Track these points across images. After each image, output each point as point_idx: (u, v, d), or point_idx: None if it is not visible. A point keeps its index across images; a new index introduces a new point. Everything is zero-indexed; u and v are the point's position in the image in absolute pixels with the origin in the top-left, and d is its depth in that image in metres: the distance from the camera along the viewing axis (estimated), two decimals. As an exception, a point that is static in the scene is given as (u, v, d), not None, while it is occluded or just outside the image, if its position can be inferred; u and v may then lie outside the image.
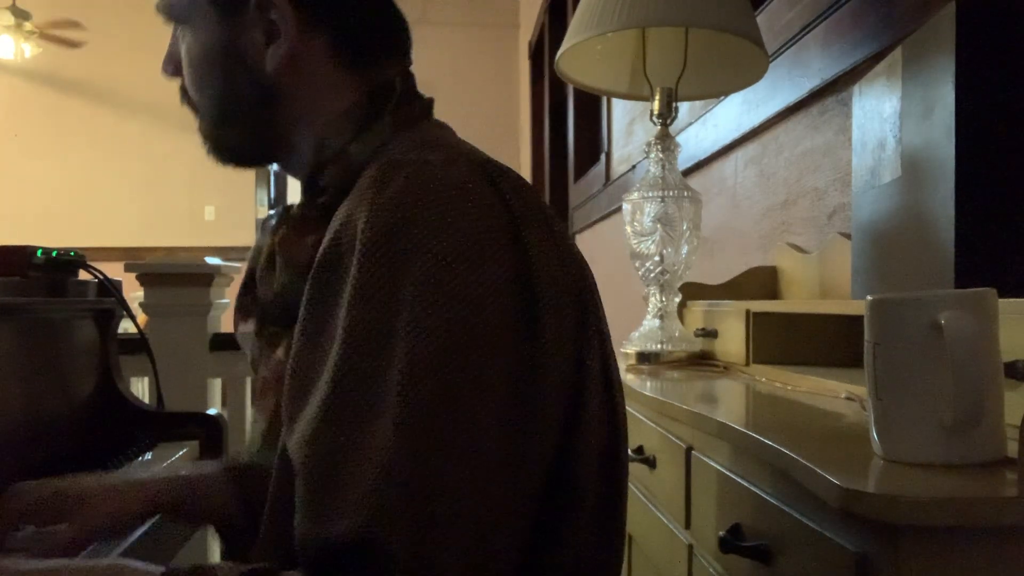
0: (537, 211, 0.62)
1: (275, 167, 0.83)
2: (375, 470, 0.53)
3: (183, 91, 0.78)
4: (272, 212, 0.82)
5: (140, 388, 2.54)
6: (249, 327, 0.79)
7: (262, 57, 0.72)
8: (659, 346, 1.53)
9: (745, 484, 0.77)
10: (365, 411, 0.54)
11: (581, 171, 4.20)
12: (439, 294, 0.55)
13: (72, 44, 5.99)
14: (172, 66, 0.78)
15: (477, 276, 0.56)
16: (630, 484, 1.25)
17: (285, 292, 0.70)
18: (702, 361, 1.52)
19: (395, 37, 0.76)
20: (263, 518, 0.66)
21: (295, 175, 0.78)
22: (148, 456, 1.25)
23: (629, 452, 1.18)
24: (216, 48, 0.73)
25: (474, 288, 0.56)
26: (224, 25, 0.73)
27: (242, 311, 0.80)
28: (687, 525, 0.98)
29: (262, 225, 0.82)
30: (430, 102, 0.76)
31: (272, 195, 6.91)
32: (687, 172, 2.28)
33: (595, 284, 0.67)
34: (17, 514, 0.81)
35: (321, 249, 0.60)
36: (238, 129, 0.75)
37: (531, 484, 0.59)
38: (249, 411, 2.35)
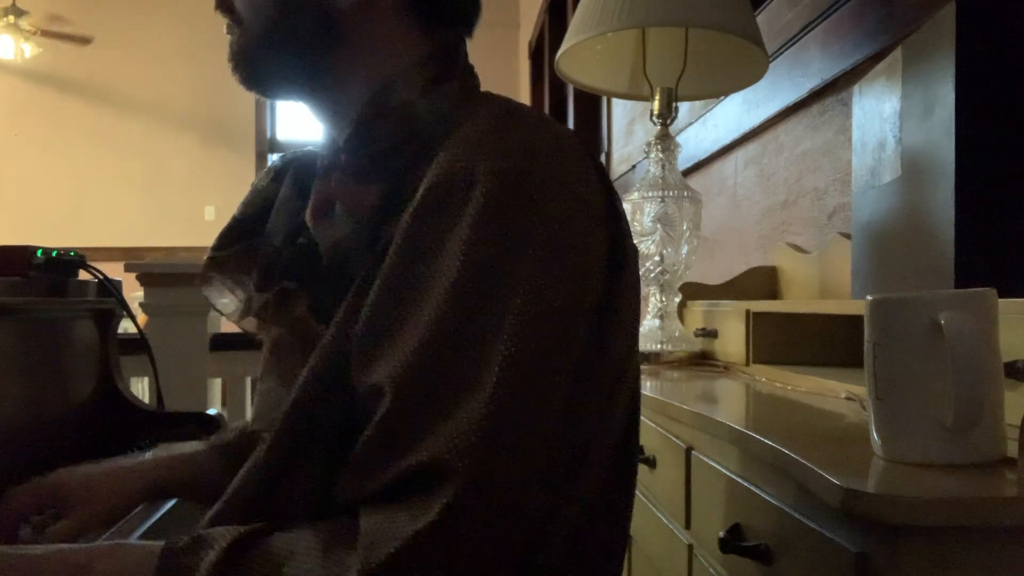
0: (610, 180, 0.64)
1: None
2: (470, 407, 0.53)
3: (222, 3, 0.71)
4: (280, 157, 0.77)
5: (140, 388, 2.54)
6: (223, 283, 0.74)
7: None
8: (659, 346, 1.53)
9: (745, 484, 0.77)
10: (475, 355, 0.54)
11: (581, 171, 4.19)
12: (556, 257, 0.56)
13: (73, 43, 5.99)
14: None
15: (585, 243, 0.58)
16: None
17: (345, 242, 0.65)
18: (702, 361, 1.52)
19: (469, 12, 0.73)
20: (255, 457, 0.63)
21: (329, 119, 0.72)
22: (148, 455, 1.25)
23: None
24: None
25: (582, 258, 0.58)
26: None
27: (217, 264, 0.74)
28: (687, 525, 0.98)
29: (267, 170, 0.77)
30: (479, 78, 0.74)
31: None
32: (687, 172, 2.28)
33: None
34: (16, 515, 0.81)
35: (430, 181, 0.58)
36: (283, 55, 0.69)
37: (577, 449, 0.60)
38: (250, 411, 2.35)
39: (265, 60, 0.70)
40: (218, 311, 0.76)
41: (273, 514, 0.59)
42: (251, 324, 0.75)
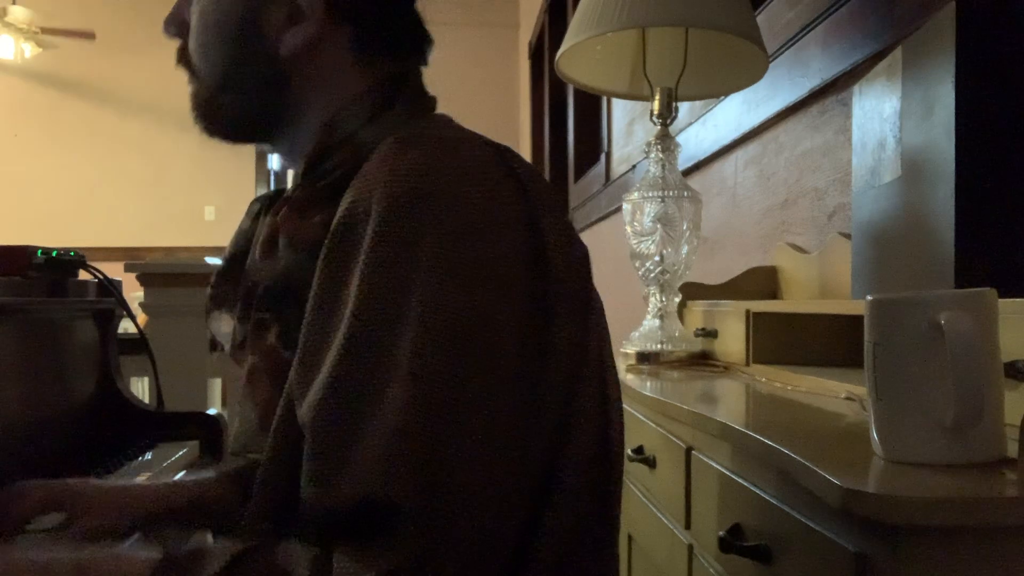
0: (549, 197, 0.63)
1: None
2: (386, 434, 0.53)
3: (181, 52, 0.76)
4: (257, 198, 0.81)
5: (140, 388, 2.54)
6: (224, 316, 0.78)
7: (280, 36, 0.71)
8: (659, 346, 1.53)
9: (745, 484, 0.77)
10: (377, 377, 0.54)
11: (581, 171, 4.20)
12: (453, 268, 0.55)
13: (73, 43, 5.99)
14: (175, 26, 0.76)
15: (493, 252, 0.57)
16: (630, 484, 1.25)
17: (289, 273, 0.68)
18: (702, 361, 1.52)
19: (415, 43, 0.76)
20: (254, 492, 0.65)
21: (287, 156, 0.77)
22: (148, 456, 1.25)
23: (628, 452, 1.18)
24: (235, 18, 0.71)
25: (489, 265, 0.57)
26: None
27: (217, 300, 0.79)
28: (687, 525, 0.98)
29: (248, 211, 0.80)
30: (434, 100, 0.76)
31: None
32: (687, 172, 2.28)
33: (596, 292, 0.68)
34: (21, 514, 0.82)
35: (336, 219, 0.60)
36: (239, 99, 0.73)
37: (534, 465, 0.59)
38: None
39: (224, 106, 0.74)
40: (222, 344, 0.79)
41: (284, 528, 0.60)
42: (241, 355, 0.76)
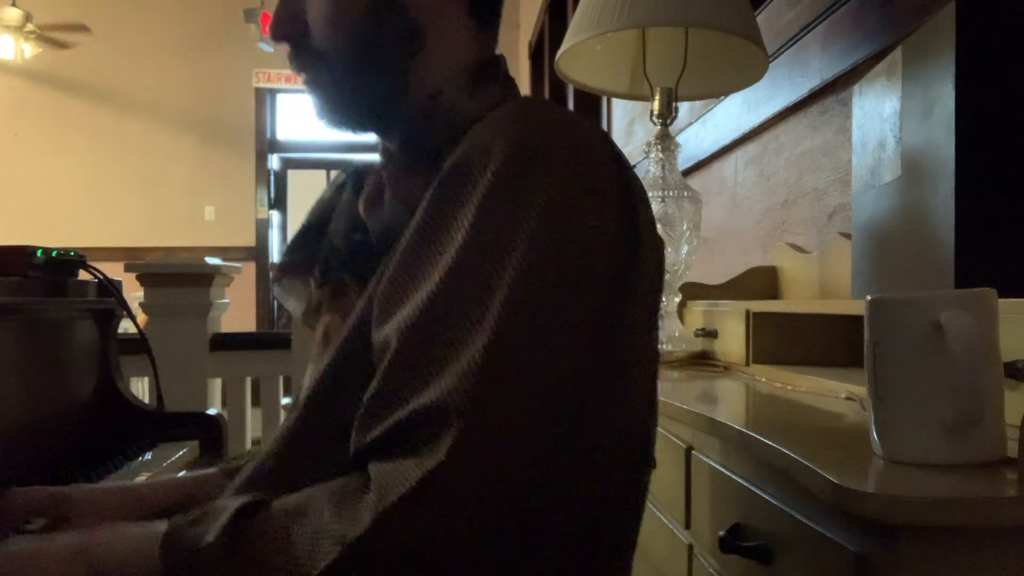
0: (641, 187, 0.66)
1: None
2: (469, 354, 0.55)
3: (298, 52, 0.73)
4: (344, 169, 0.81)
5: (140, 388, 2.54)
6: (292, 285, 0.79)
7: None
8: (659, 346, 1.53)
9: (745, 484, 0.77)
10: (469, 312, 0.56)
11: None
12: (560, 229, 0.58)
13: (72, 44, 5.99)
14: (288, 23, 0.73)
15: (596, 221, 0.59)
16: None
17: (392, 226, 0.69)
18: (702, 361, 1.52)
19: (500, 7, 0.78)
20: (281, 434, 0.66)
21: (389, 135, 0.76)
22: (148, 456, 1.25)
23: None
24: None
25: (590, 233, 0.59)
26: None
27: (288, 268, 0.80)
28: (687, 525, 0.98)
29: (332, 182, 0.81)
30: (516, 84, 0.78)
31: (272, 195, 6.91)
32: (687, 172, 2.28)
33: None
34: (18, 515, 0.82)
35: (454, 157, 0.62)
36: (371, 76, 0.72)
37: (578, 432, 0.60)
38: (250, 411, 2.36)
39: (357, 85, 0.72)
40: (288, 310, 0.81)
41: (302, 478, 0.61)
42: (313, 319, 0.78)
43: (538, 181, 0.58)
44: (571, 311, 0.58)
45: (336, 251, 0.75)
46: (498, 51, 0.78)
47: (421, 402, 0.55)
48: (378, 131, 0.77)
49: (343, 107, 0.74)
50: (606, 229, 0.60)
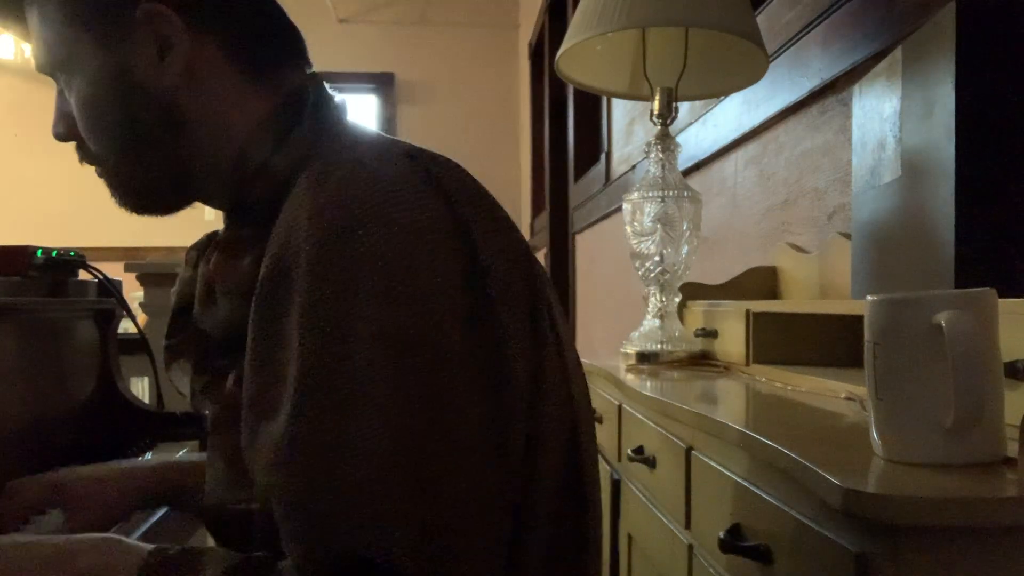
0: (480, 200, 0.61)
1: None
2: (364, 484, 0.52)
3: (80, 150, 0.73)
4: (193, 245, 0.78)
5: (140, 388, 2.54)
6: (182, 367, 0.76)
7: (158, 74, 0.68)
8: (659, 346, 1.53)
9: (745, 484, 0.77)
10: (338, 425, 0.52)
11: (581, 171, 4.20)
12: (396, 299, 0.54)
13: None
14: (63, 125, 0.73)
15: (428, 277, 0.55)
16: (630, 484, 1.25)
17: (230, 320, 0.65)
18: (702, 361, 1.52)
19: (289, 42, 0.73)
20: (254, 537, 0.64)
21: (220, 206, 0.74)
22: (148, 456, 1.25)
23: (628, 452, 1.18)
24: (107, 77, 0.68)
25: (426, 290, 0.55)
26: (110, 51, 0.68)
27: (174, 351, 0.76)
28: (687, 525, 0.98)
29: (185, 260, 0.78)
30: (344, 103, 0.73)
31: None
32: (687, 172, 2.28)
33: (546, 278, 0.66)
34: (20, 508, 0.82)
35: (264, 267, 0.58)
36: (145, 161, 0.70)
37: (511, 487, 0.58)
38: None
39: (134, 176, 0.72)
40: (183, 395, 0.77)
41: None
42: (200, 404, 0.75)
43: (353, 265, 0.54)
44: (442, 377, 0.54)
45: (205, 337, 0.72)
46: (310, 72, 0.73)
47: (341, 551, 0.52)
48: (186, 206, 0.76)
49: (134, 196, 0.74)
50: (444, 281, 0.56)
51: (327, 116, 0.70)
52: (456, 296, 0.56)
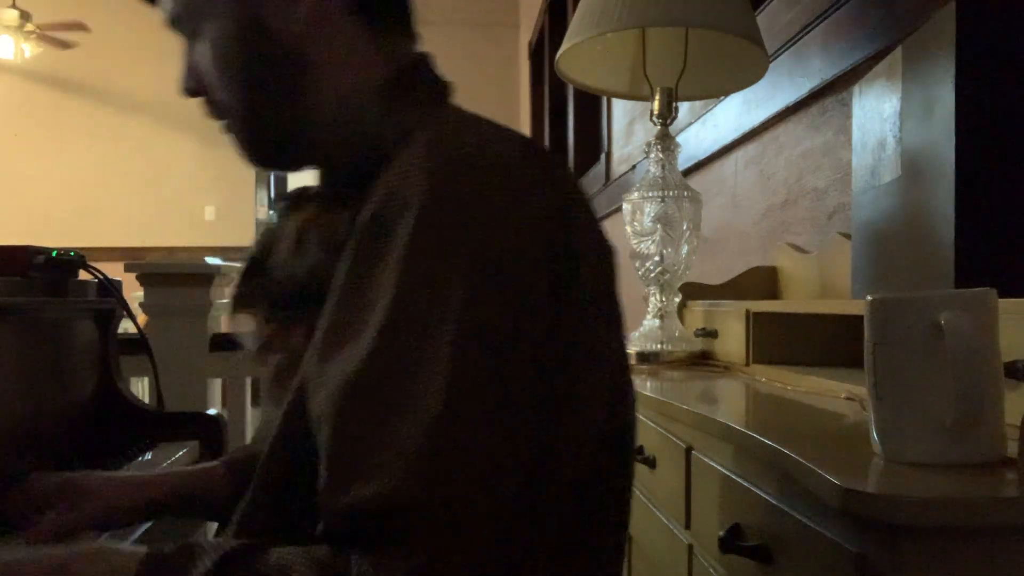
0: (581, 193, 0.64)
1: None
2: (420, 433, 0.52)
3: (209, 104, 0.74)
4: (282, 195, 0.79)
5: (140, 388, 2.54)
6: (246, 318, 0.77)
7: (288, 20, 0.69)
8: (659, 346, 1.53)
9: (745, 484, 0.77)
10: (413, 371, 0.54)
11: (581, 171, 4.20)
12: (493, 264, 0.56)
13: (72, 44, 5.99)
14: (192, 81, 0.74)
15: (530, 251, 0.57)
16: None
17: (315, 270, 0.67)
18: (702, 361, 1.52)
19: (407, 13, 0.75)
20: (252, 487, 0.65)
21: (319, 163, 0.75)
22: (148, 456, 1.25)
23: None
24: (239, 26, 0.70)
25: (526, 264, 0.57)
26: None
27: (241, 300, 0.78)
28: (687, 525, 0.98)
29: (273, 208, 0.80)
30: (450, 85, 0.74)
31: (272, 195, 6.91)
32: (687, 172, 2.28)
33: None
34: (37, 500, 0.83)
35: (368, 211, 0.60)
36: (272, 109, 0.71)
37: (561, 464, 0.59)
38: (250, 411, 2.36)
39: (261, 128, 0.72)
40: (245, 348, 0.79)
41: (279, 526, 0.61)
42: (264, 356, 0.76)
43: (459, 231, 0.56)
44: (514, 364, 0.55)
45: (279, 286, 0.73)
46: (424, 50, 0.74)
47: (374, 490, 0.52)
48: (308, 163, 0.75)
49: (260, 150, 0.74)
50: (536, 257, 0.57)
51: (438, 92, 0.72)
52: (544, 276, 0.58)
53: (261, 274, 0.76)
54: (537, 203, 0.59)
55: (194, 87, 0.74)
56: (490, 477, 0.54)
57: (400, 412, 0.53)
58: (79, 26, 5.83)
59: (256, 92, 0.71)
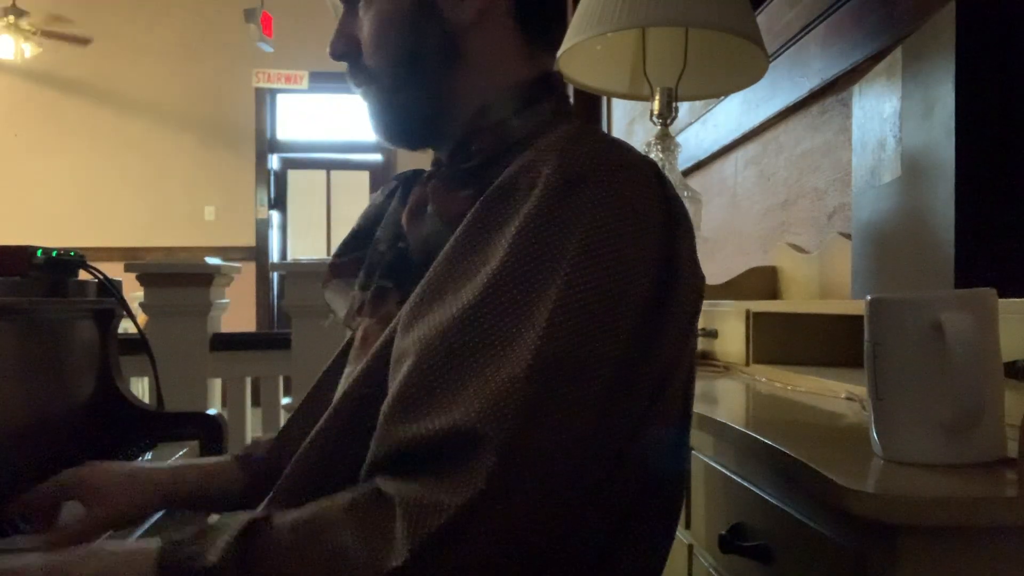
0: (686, 219, 0.67)
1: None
2: (507, 378, 0.54)
3: (354, 70, 0.77)
4: (396, 176, 0.82)
5: (140, 388, 2.54)
6: (339, 287, 0.80)
7: (457, 7, 0.72)
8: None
9: (745, 484, 0.77)
10: (513, 323, 0.56)
11: (581, 171, 4.20)
12: (601, 252, 0.59)
13: (73, 43, 5.99)
14: (342, 43, 0.77)
15: (635, 250, 0.60)
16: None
17: (427, 241, 0.70)
18: (702, 361, 1.51)
19: (560, 29, 0.79)
20: (298, 456, 0.66)
21: (443, 144, 0.78)
22: (148, 456, 1.25)
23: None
24: (413, 3, 0.73)
25: (631, 258, 0.60)
26: None
27: (337, 269, 0.81)
28: (687, 525, 0.98)
29: (384, 187, 0.83)
30: (572, 105, 0.79)
31: (272, 195, 6.90)
32: (687, 172, 2.28)
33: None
34: (42, 499, 0.83)
35: (501, 178, 0.63)
36: (415, 86, 0.74)
37: (614, 443, 0.61)
38: (250, 411, 2.36)
39: (402, 101, 0.75)
40: (334, 312, 0.82)
41: (331, 480, 0.61)
42: (354, 322, 0.79)
43: (581, 206, 0.59)
44: (607, 339, 0.58)
45: (380, 257, 0.76)
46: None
47: (446, 422, 0.54)
48: (429, 144, 0.79)
49: (393, 122, 0.77)
50: (645, 257, 0.61)
51: (566, 105, 0.77)
52: (649, 275, 0.61)
53: (363, 246, 0.79)
54: (655, 208, 0.63)
55: (344, 50, 0.77)
56: (564, 439, 0.56)
57: (489, 359, 0.56)
58: (80, 28, 5.83)
59: (409, 67, 0.74)
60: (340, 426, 0.65)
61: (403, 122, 0.77)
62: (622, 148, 0.65)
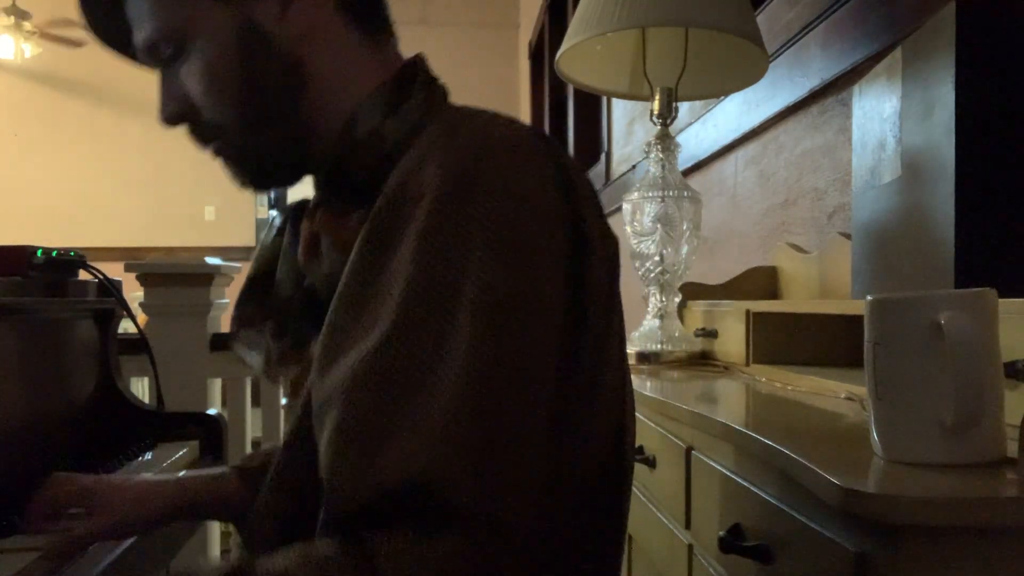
0: (589, 184, 0.65)
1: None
2: (439, 414, 0.52)
3: (196, 129, 0.72)
4: (274, 214, 0.79)
5: (140, 388, 2.54)
6: (249, 336, 0.76)
7: (281, 27, 0.68)
8: (659, 346, 1.53)
9: (745, 484, 0.77)
10: (430, 353, 0.54)
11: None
12: (506, 251, 0.56)
13: (72, 44, 5.99)
14: (175, 105, 0.71)
15: (542, 239, 0.58)
16: (630, 484, 1.25)
17: (335, 276, 0.65)
18: (702, 361, 1.52)
19: (389, 16, 0.74)
20: (264, 489, 0.65)
21: (318, 170, 0.74)
22: (148, 456, 1.25)
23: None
24: (232, 37, 0.68)
25: (538, 253, 0.58)
26: (232, 9, 0.68)
27: (243, 320, 0.77)
28: (687, 525, 0.98)
29: (270, 226, 0.79)
30: (446, 88, 0.74)
31: (272, 195, 6.91)
32: (687, 172, 2.28)
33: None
34: (49, 505, 0.83)
35: (384, 196, 0.60)
36: (268, 124, 0.70)
37: (581, 442, 0.61)
38: (250, 411, 2.36)
39: (258, 144, 0.71)
40: (249, 366, 0.78)
41: (296, 530, 0.60)
42: (274, 373, 0.76)
43: (476, 210, 0.56)
44: (532, 340, 0.56)
45: (288, 302, 0.72)
46: (414, 52, 0.74)
47: (395, 476, 0.51)
48: (302, 176, 0.74)
49: (257, 168, 0.73)
50: (553, 244, 0.59)
51: (436, 92, 0.72)
52: (558, 261, 0.59)
53: (264, 293, 0.75)
54: (548, 183, 0.60)
55: (179, 112, 0.71)
56: (515, 452, 0.54)
57: (420, 391, 0.53)
58: (74, 24, 5.82)
59: (255, 105, 0.70)
60: (286, 475, 0.64)
61: (267, 164, 0.72)
62: (502, 126, 0.62)
